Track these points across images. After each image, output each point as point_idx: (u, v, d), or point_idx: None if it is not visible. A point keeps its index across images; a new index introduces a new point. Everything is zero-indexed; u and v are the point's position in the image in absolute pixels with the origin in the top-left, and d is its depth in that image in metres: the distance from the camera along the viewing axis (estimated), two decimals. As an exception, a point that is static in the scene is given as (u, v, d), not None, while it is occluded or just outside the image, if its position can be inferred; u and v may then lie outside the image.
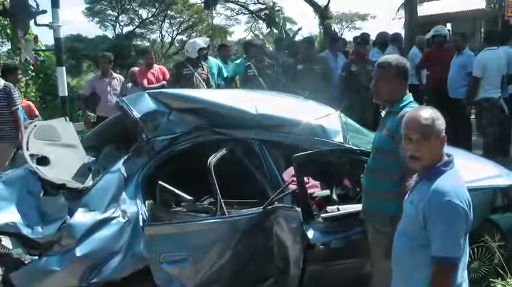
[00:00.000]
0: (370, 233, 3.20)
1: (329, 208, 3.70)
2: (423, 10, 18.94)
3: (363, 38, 7.88)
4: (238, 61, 8.35)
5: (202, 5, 28.63)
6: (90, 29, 62.60)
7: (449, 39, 8.53)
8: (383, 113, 3.24)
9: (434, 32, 8.27)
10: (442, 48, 8.08)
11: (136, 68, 8.22)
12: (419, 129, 2.33)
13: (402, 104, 3.06)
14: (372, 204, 3.15)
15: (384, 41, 8.88)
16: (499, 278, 3.83)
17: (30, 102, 7.70)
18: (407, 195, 2.51)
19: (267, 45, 10.34)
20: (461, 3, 19.51)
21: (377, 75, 3.14)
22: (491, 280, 3.89)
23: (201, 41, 7.53)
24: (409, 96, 3.12)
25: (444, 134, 2.36)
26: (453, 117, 7.63)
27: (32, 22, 7.63)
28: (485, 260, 3.98)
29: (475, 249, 3.91)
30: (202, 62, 7.37)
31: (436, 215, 2.22)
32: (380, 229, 3.07)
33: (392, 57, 3.21)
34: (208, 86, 7.17)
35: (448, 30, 9.41)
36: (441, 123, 2.35)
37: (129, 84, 7.87)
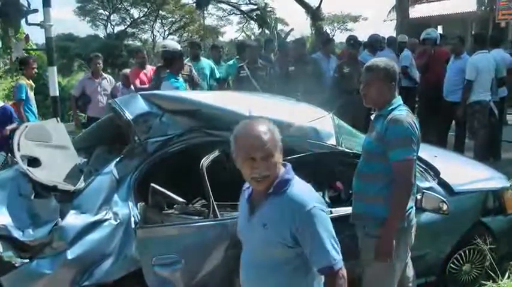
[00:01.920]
0: (360, 239, 3.18)
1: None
2: (414, 12, 19.08)
3: (356, 40, 7.89)
4: (231, 62, 8.32)
5: (194, 5, 28.66)
6: (82, 28, 62.56)
7: (441, 42, 8.57)
8: (373, 116, 3.24)
9: (425, 35, 8.30)
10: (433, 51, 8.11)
11: (127, 70, 8.17)
12: (263, 147, 2.21)
13: (391, 107, 3.06)
14: (362, 208, 3.13)
15: (376, 44, 8.89)
16: (490, 281, 3.87)
17: (22, 103, 7.63)
18: (253, 218, 2.37)
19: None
20: (453, 5, 19.68)
21: (366, 78, 3.14)
22: (482, 282, 3.93)
23: (169, 43, 7.28)
24: (398, 99, 3.12)
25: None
26: (446, 120, 7.70)
27: (23, 21, 7.58)
28: (476, 263, 4.00)
29: (467, 251, 3.93)
30: (185, 62, 6.98)
31: (311, 226, 2.13)
32: (370, 233, 3.05)
33: (381, 60, 3.21)
34: (192, 86, 6.85)
35: (440, 34, 9.44)
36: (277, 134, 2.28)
37: (120, 85, 7.83)
